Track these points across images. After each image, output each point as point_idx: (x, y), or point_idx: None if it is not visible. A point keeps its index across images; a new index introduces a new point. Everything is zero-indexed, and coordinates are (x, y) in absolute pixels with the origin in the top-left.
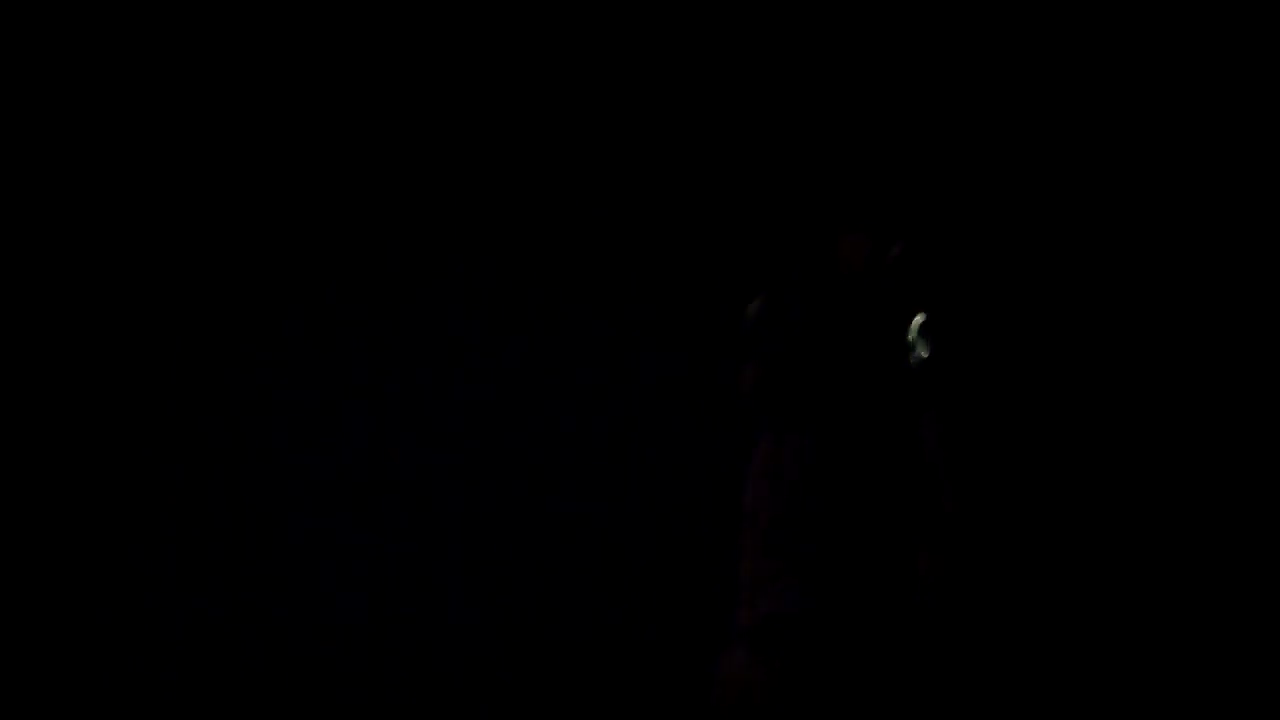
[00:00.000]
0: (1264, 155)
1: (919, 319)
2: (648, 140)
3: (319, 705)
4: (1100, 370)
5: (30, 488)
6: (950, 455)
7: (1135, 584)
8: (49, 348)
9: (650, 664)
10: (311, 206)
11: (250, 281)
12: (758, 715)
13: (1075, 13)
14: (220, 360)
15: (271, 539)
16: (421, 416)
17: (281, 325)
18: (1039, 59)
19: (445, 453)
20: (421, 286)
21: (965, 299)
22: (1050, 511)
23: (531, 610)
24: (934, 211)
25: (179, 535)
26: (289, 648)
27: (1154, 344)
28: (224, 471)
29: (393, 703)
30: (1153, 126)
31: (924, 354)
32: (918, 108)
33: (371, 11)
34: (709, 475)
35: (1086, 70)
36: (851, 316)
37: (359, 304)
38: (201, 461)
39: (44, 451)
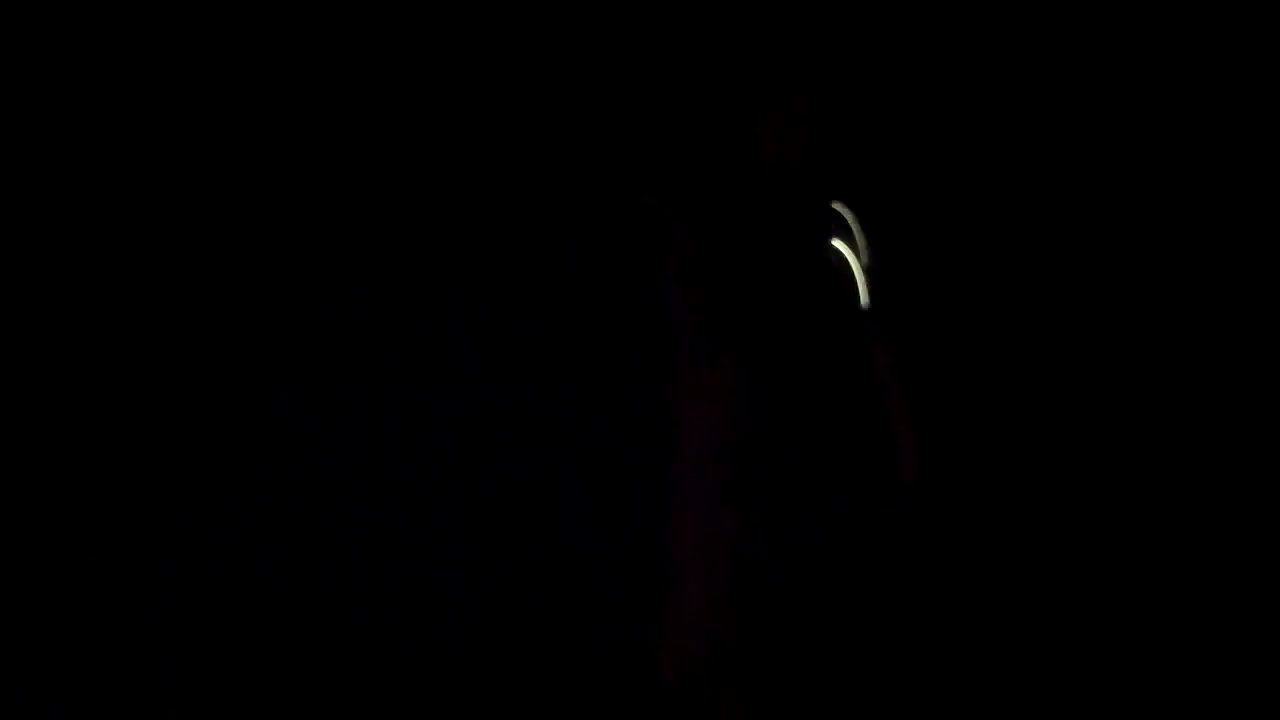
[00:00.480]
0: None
1: (844, 222)
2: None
3: (319, 705)
4: (1056, 292)
5: (30, 487)
6: (903, 385)
7: (1090, 518)
8: (48, 347)
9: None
10: (311, 206)
11: (249, 280)
12: (704, 660)
13: None
14: (219, 359)
15: (271, 538)
16: (422, 415)
17: (280, 324)
18: None
19: (446, 451)
20: (422, 285)
21: (904, 215)
22: (1005, 441)
23: (532, 610)
24: (866, 89)
25: (178, 534)
26: (289, 648)
27: (1098, 270)
28: (223, 471)
29: (393, 703)
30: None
31: (850, 255)
32: None
33: (371, 12)
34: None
35: None
36: (784, 220)
37: (359, 302)
38: (201, 461)
39: (43, 451)
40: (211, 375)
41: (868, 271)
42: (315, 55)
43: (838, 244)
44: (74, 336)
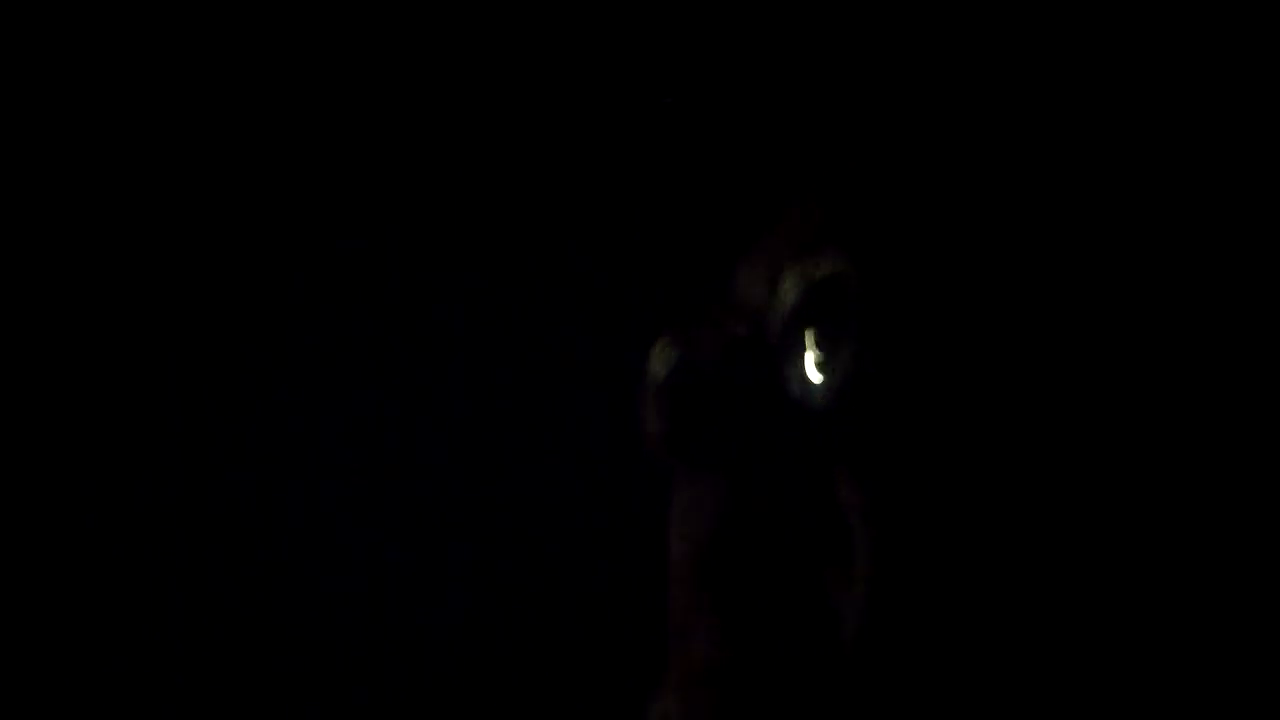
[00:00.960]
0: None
1: (810, 357)
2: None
3: (319, 705)
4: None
5: (28, 487)
6: (863, 504)
7: (1063, 621)
8: (47, 346)
9: (652, 667)
10: (310, 205)
11: (249, 279)
12: None
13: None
14: (218, 358)
15: (270, 538)
16: (422, 413)
17: (280, 320)
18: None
19: (446, 450)
20: (421, 283)
21: (874, 332)
22: (968, 554)
23: (534, 611)
24: (840, 233)
25: (176, 534)
26: (288, 647)
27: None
28: (222, 470)
29: (393, 703)
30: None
31: (816, 386)
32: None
33: (371, 12)
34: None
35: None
36: (752, 354)
37: (358, 301)
38: (199, 460)
39: (42, 451)
40: (210, 374)
41: (837, 412)
42: (327, 55)
43: (811, 365)
44: (73, 335)
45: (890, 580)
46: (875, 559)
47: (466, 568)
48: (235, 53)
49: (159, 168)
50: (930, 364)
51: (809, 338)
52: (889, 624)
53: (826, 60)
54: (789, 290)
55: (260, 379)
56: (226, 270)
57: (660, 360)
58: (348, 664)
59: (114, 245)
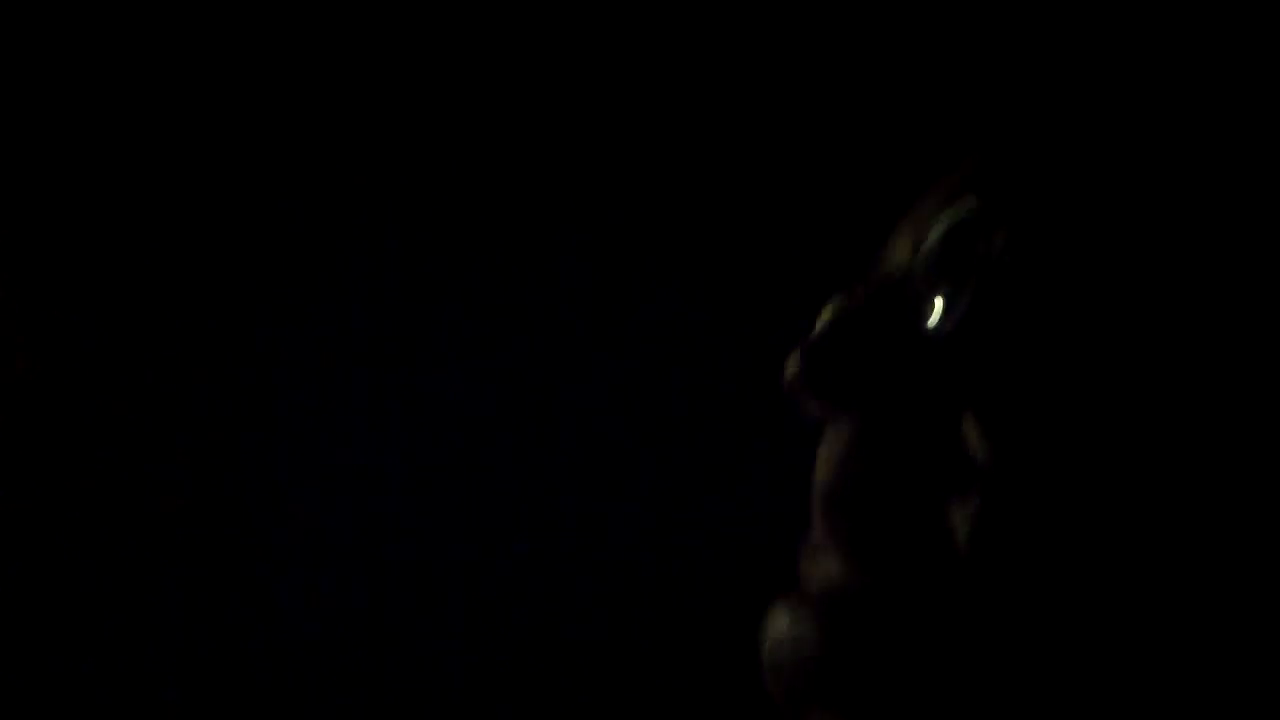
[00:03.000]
0: None
1: (943, 300)
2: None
3: (319, 705)
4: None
5: (28, 485)
6: (985, 443)
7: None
8: (46, 346)
9: (660, 669)
10: (310, 204)
11: (249, 279)
12: (796, 677)
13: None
14: (218, 357)
15: (270, 537)
16: (423, 412)
17: (278, 319)
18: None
19: (446, 448)
20: (422, 280)
21: (1004, 290)
22: (1086, 503)
23: (535, 610)
24: (988, 195)
25: (175, 533)
26: (288, 647)
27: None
28: (221, 469)
29: (393, 703)
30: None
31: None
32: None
33: (370, 12)
34: (714, 475)
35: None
36: (894, 302)
37: (359, 299)
38: (198, 458)
39: (41, 449)
40: (209, 373)
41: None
42: (336, 54)
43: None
44: (71, 334)
45: (1006, 518)
46: (993, 497)
47: (467, 567)
48: (235, 52)
49: (160, 168)
50: (1064, 311)
51: (944, 281)
52: (1003, 557)
53: (984, 34)
54: (929, 236)
55: (261, 378)
56: (227, 270)
57: (821, 321)
58: (348, 664)
59: (115, 245)
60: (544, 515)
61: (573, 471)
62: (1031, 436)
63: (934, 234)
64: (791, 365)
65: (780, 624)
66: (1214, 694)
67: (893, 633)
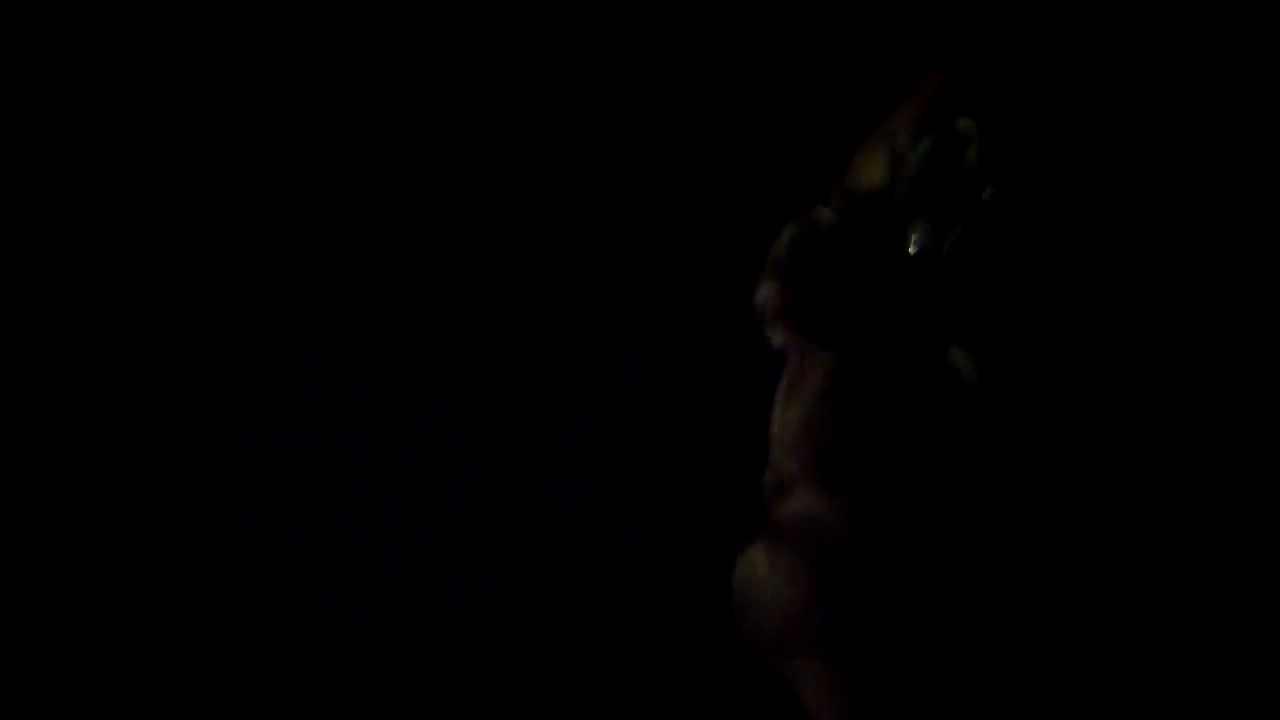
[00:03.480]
0: None
1: (928, 224)
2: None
3: (318, 705)
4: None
5: (27, 485)
6: (974, 372)
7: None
8: (47, 347)
9: (658, 661)
10: (309, 203)
11: (249, 280)
12: (780, 622)
13: None
14: (217, 357)
15: (269, 537)
16: (422, 410)
17: (279, 318)
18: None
19: (447, 447)
20: (421, 279)
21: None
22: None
23: (536, 609)
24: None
25: (175, 533)
26: (288, 647)
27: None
28: (220, 469)
29: (393, 703)
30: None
31: (922, 245)
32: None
33: (369, 12)
34: (712, 473)
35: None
36: (869, 232)
37: (358, 299)
38: (198, 459)
39: (40, 449)
40: (209, 373)
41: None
42: (333, 53)
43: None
44: (71, 333)
45: (1001, 447)
46: (988, 426)
47: (466, 567)
48: (236, 53)
49: (160, 168)
50: (1052, 237)
51: (930, 203)
52: (998, 487)
53: None
54: (910, 156)
55: (260, 380)
56: (226, 271)
57: (783, 240)
58: (348, 664)
59: (113, 245)
60: (544, 514)
61: (573, 471)
62: (1026, 364)
63: (918, 152)
64: (766, 292)
65: (757, 567)
66: (1209, 622)
67: (885, 570)
